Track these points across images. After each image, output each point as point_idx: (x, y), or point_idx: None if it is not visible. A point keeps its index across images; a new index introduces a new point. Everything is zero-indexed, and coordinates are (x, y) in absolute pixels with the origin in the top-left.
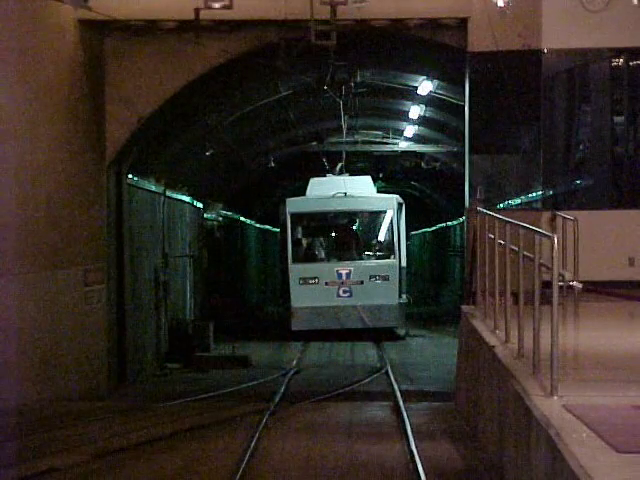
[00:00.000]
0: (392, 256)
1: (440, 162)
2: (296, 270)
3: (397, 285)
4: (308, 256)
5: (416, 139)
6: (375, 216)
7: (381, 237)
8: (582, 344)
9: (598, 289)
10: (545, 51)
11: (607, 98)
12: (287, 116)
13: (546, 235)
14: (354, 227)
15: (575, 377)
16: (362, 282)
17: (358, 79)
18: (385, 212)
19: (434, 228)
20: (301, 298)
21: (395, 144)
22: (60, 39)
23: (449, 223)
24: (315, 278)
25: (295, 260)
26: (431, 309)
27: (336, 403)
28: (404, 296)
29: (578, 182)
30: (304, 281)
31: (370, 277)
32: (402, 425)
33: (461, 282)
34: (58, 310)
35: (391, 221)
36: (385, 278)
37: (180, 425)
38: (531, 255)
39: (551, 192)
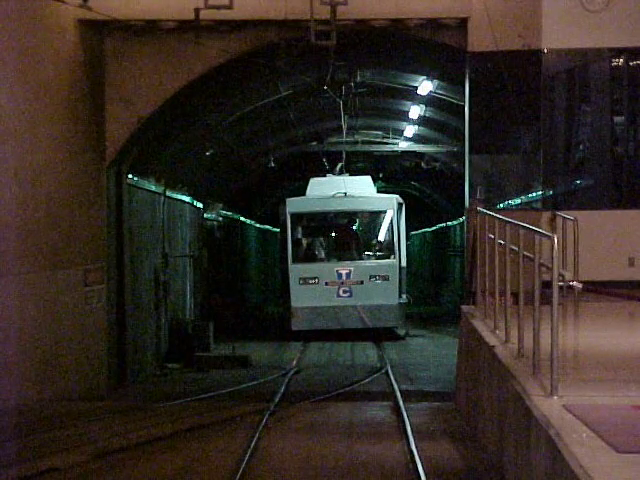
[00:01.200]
0: (392, 256)
1: (440, 162)
2: (296, 270)
3: (397, 285)
4: (308, 256)
5: (416, 139)
6: (375, 216)
7: (381, 237)
8: (582, 344)
9: (598, 289)
10: (545, 51)
11: (607, 98)
12: (287, 116)
13: (546, 235)
14: (354, 227)
15: (575, 377)
16: (362, 282)
17: (358, 79)
18: (385, 212)
19: (434, 228)
20: (301, 298)
21: (395, 144)
22: (60, 39)
23: (449, 223)
24: (315, 278)
25: (295, 260)
26: (431, 309)
27: (336, 403)
28: (404, 296)
29: (578, 182)
30: (304, 281)
31: (370, 277)
32: (402, 425)
33: (461, 282)
34: (58, 310)
35: (391, 221)
36: (385, 278)
37: (180, 425)
38: (531, 255)
39: (551, 192)
